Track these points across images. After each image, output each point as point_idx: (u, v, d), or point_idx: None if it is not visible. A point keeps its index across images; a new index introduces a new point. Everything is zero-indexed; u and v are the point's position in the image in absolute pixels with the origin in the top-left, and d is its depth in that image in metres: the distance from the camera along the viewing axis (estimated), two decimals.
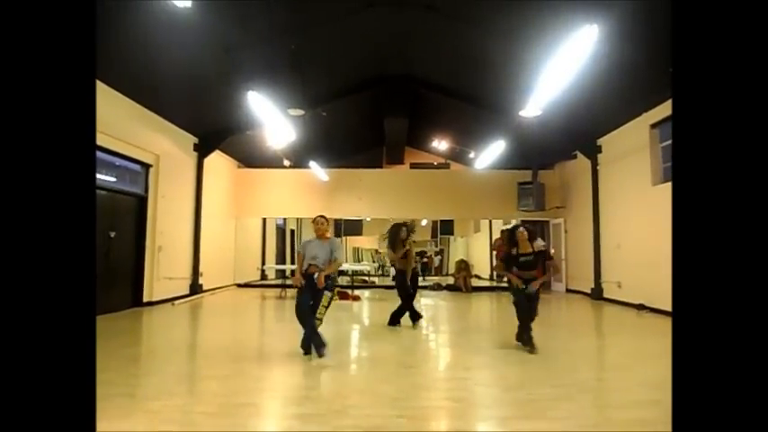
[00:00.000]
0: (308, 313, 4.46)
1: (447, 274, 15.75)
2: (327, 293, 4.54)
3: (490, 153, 10.15)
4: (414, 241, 6.73)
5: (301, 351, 4.49)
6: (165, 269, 8.50)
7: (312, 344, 4.43)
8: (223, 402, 3.22)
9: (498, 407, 3.16)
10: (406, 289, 6.25)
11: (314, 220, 4.75)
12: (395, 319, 6.24)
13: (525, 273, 4.89)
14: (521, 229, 4.95)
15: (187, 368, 4.41)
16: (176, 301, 8.55)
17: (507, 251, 5.01)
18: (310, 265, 4.58)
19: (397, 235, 6.36)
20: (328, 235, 4.80)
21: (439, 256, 18.04)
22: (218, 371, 4.20)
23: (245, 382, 3.81)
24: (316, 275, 4.51)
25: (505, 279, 12.11)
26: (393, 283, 6.79)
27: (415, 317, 6.31)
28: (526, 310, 4.84)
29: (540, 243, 5.02)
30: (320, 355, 4.33)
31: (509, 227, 12.80)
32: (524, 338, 4.80)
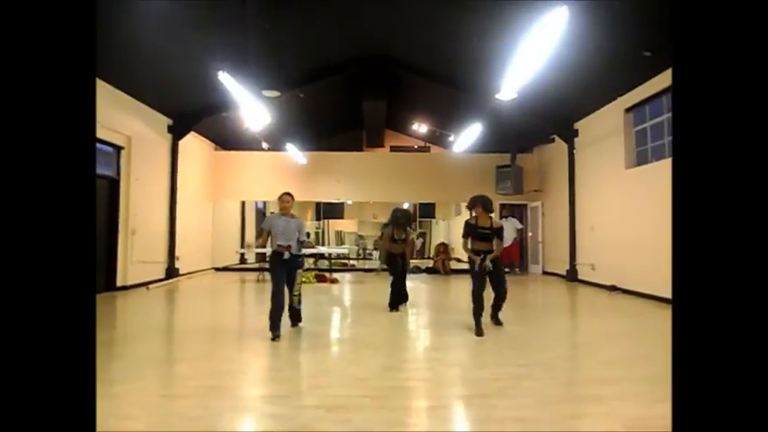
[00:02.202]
0: (283, 295, 4.72)
1: (429, 257, 15.85)
2: (300, 271, 4.90)
3: (469, 136, 10.16)
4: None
5: (270, 335, 4.51)
6: (139, 253, 8.39)
7: (296, 322, 5.01)
8: (189, 385, 3.23)
9: (461, 386, 3.22)
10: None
11: (280, 198, 4.90)
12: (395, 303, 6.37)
13: (480, 243, 4.94)
14: (479, 204, 4.97)
15: (157, 352, 4.39)
16: (151, 285, 8.47)
17: (468, 220, 5.07)
18: (279, 245, 4.74)
19: (409, 218, 6.63)
20: (293, 212, 5.00)
21: (421, 239, 18.17)
22: (188, 354, 4.21)
23: (214, 364, 3.81)
24: (286, 255, 4.71)
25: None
26: (378, 267, 7.07)
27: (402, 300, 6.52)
28: (481, 287, 4.87)
29: (498, 221, 5.13)
30: (294, 325, 4.99)
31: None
32: (477, 319, 4.79)
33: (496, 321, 5.18)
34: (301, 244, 4.85)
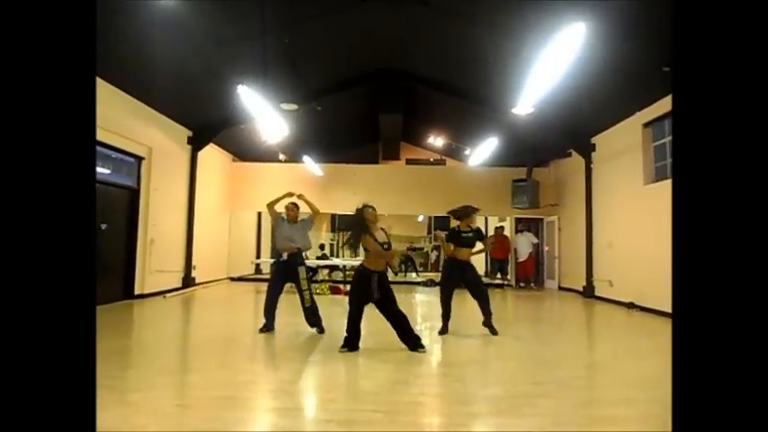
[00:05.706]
0: (277, 299, 5.37)
1: None
2: (301, 268, 5.36)
3: (485, 150, 10.14)
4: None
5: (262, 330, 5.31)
6: (157, 262, 8.51)
7: (313, 323, 5.35)
8: (201, 395, 3.24)
9: (474, 403, 3.18)
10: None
11: (285, 207, 5.65)
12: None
13: (464, 249, 5.58)
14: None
15: (172, 361, 4.43)
16: (168, 294, 8.57)
17: (455, 227, 5.78)
18: (280, 248, 5.50)
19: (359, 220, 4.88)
20: (298, 220, 5.62)
21: (435, 252, 18.08)
22: (202, 363, 4.23)
23: (227, 374, 3.82)
24: (284, 256, 5.40)
25: (498, 276, 12.15)
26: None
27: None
28: (450, 294, 5.64)
29: (475, 226, 5.81)
30: (319, 331, 5.34)
31: (500, 224, 12.89)
32: (443, 328, 5.62)
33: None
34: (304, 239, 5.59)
